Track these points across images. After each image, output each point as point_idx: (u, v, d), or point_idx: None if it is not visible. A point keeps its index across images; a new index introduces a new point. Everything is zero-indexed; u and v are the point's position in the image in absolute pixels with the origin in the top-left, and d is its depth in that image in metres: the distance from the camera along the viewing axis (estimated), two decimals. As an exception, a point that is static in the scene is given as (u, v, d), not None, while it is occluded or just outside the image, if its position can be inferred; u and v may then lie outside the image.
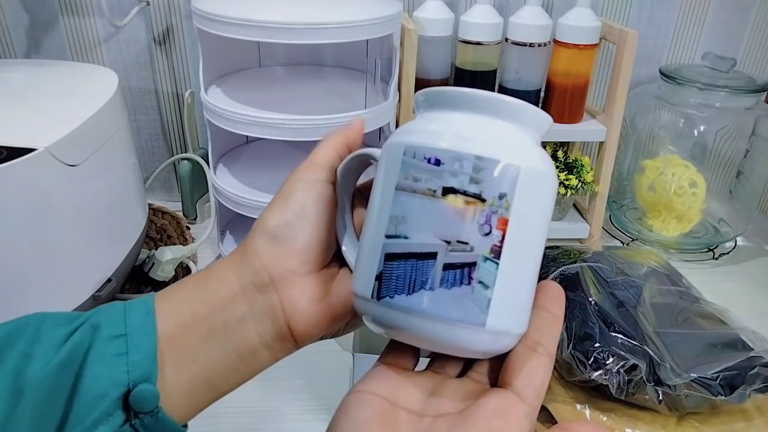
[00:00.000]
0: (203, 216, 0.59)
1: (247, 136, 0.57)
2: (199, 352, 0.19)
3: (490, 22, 0.51)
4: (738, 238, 0.60)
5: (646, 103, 0.57)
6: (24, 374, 0.17)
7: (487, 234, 0.16)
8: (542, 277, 0.43)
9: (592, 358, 0.35)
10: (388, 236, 0.17)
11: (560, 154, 0.56)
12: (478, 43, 0.51)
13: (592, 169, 0.56)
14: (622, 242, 0.59)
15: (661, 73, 0.55)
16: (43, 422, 0.17)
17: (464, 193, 0.17)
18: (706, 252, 0.58)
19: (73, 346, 0.18)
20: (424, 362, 0.20)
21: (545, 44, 0.52)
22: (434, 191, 0.17)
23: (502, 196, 0.17)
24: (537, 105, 0.55)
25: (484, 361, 0.19)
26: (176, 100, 0.59)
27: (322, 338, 0.22)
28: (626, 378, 0.34)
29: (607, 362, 0.35)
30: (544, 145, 0.58)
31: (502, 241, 0.17)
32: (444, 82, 0.55)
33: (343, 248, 0.21)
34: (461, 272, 0.16)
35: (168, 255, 0.47)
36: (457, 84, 0.54)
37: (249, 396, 0.38)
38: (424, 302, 0.16)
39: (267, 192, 0.49)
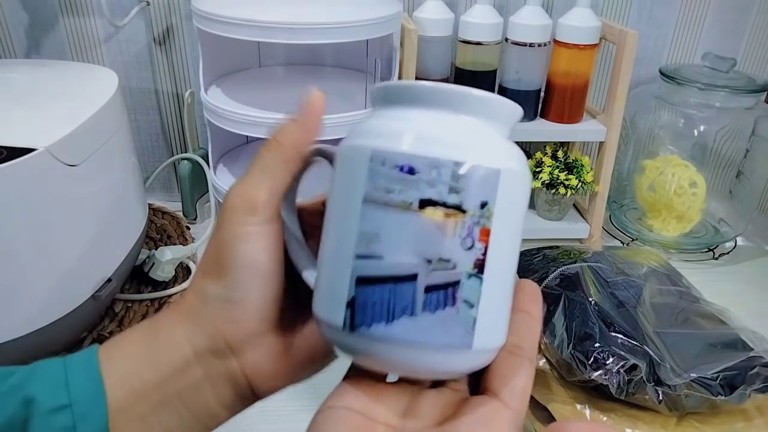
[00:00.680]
0: (203, 216, 0.59)
1: (247, 136, 0.57)
2: (152, 421, 0.17)
3: (490, 22, 0.50)
4: (738, 238, 0.59)
5: (646, 103, 0.57)
6: None
7: (469, 248, 0.15)
8: (542, 277, 0.43)
9: (592, 358, 0.35)
10: (359, 256, 0.15)
11: (560, 154, 0.56)
12: (478, 43, 0.51)
13: (592, 169, 0.56)
14: (622, 242, 0.59)
15: (661, 73, 0.55)
16: None
17: (444, 205, 0.15)
18: (706, 252, 0.58)
19: (3, 424, 0.16)
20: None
21: (545, 44, 0.52)
22: (410, 204, 0.15)
23: (483, 205, 0.15)
24: (537, 105, 0.55)
25: None
26: (176, 100, 0.59)
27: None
28: (626, 378, 0.34)
29: (607, 362, 0.35)
30: (544, 145, 0.58)
31: (485, 254, 0.15)
32: (444, 82, 0.54)
33: (305, 274, 0.19)
34: (445, 293, 0.15)
35: (168, 255, 0.47)
36: (457, 83, 0.54)
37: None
38: (407, 330, 0.15)
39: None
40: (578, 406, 0.36)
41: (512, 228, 0.16)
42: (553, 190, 0.55)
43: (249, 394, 0.19)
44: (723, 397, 0.34)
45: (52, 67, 0.46)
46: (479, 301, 0.15)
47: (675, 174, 0.55)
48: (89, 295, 0.37)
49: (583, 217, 0.59)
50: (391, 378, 0.17)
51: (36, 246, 0.33)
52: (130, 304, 0.46)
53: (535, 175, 0.56)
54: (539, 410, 0.37)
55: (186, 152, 0.58)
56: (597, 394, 0.36)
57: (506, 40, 0.52)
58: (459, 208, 0.15)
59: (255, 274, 0.18)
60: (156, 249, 0.47)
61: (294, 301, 0.19)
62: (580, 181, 0.54)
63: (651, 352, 0.35)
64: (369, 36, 0.42)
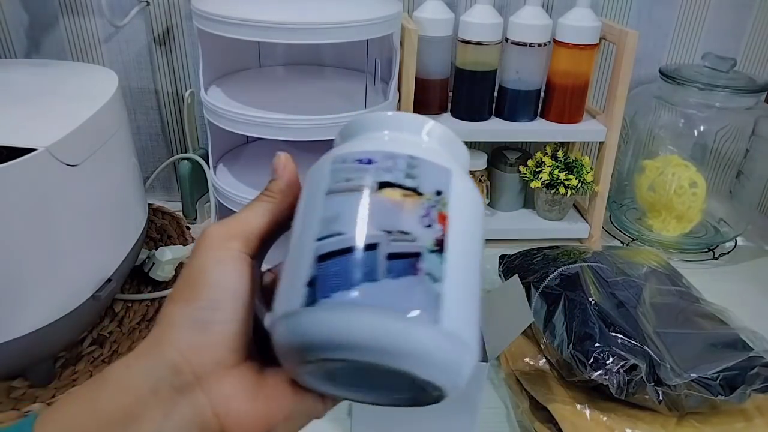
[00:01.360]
0: (203, 216, 0.59)
1: (247, 136, 0.57)
2: None
3: (490, 22, 0.50)
4: (738, 238, 0.59)
5: (646, 103, 0.57)
6: None
7: (428, 226, 0.15)
8: (542, 277, 0.43)
9: (592, 358, 0.35)
10: (319, 239, 0.15)
11: (560, 154, 0.56)
12: (478, 43, 0.51)
13: (592, 169, 0.56)
14: (622, 242, 0.59)
15: (661, 73, 0.55)
16: None
17: (401, 187, 0.16)
18: (706, 252, 0.58)
19: None
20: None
21: (545, 44, 0.52)
22: (369, 186, 0.16)
23: (439, 193, 0.16)
24: (537, 105, 0.55)
25: None
26: (176, 100, 0.59)
27: None
28: (626, 378, 0.34)
29: (607, 362, 0.35)
30: (544, 145, 0.58)
31: (444, 236, 0.15)
32: (444, 82, 0.55)
33: (267, 321, 0.17)
34: (407, 262, 0.14)
35: (168, 255, 0.47)
36: (457, 84, 0.54)
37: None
38: (368, 294, 0.14)
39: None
40: (578, 406, 0.36)
41: (470, 231, 0.16)
42: (553, 190, 0.55)
43: None
44: (723, 397, 0.34)
45: (52, 67, 0.46)
46: (443, 278, 0.15)
47: (675, 174, 0.55)
48: (89, 295, 0.37)
49: (583, 217, 0.59)
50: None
51: (36, 246, 0.33)
52: (130, 304, 0.46)
53: (535, 175, 0.56)
54: (539, 410, 0.37)
55: (186, 152, 0.58)
56: (597, 394, 0.36)
57: (506, 40, 0.52)
58: (416, 191, 0.16)
59: (230, 294, 0.16)
60: (156, 249, 0.47)
61: (264, 353, 0.17)
62: (580, 181, 0.54)
63: (651, 352, 0.35)
64: (369, 36, 0.42)
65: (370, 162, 0.16)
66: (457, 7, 0.56)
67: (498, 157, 0.58)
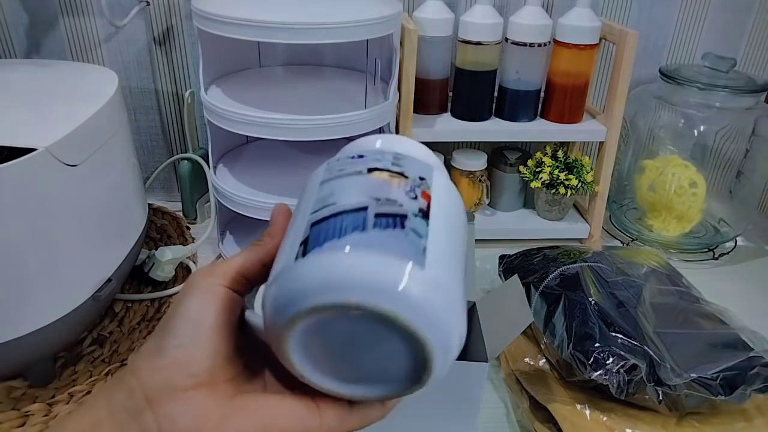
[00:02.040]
0: (203, 216, 0.59)
1: (247, 136, 0.57)
2: None
3: (490, 22, 0.50)
4: (738, 238, 0.59)
5: (646, 103, 0.57)
6: None
7: (414, 198, 0.17)
8: (542, 277, 0.43)
9: (592, 358, 0.35)
10: (313, 213, 0.17)
11: (560, 154, 0.56)
12: (478, 43, 0.51)
13: (592, 169, 0.56)
14: (622, 242, 0.59)
15: (661, 73, 0.55)
16: None
17: (388, 171, 0.17)
18: (706, 252, 0.58)
19: None
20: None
21: (545, 44, 0.52)
22: (360, 171, 0.17)
23: (422, 178, 0.18)
24: (537, 105, 0.55)
25: None
26: (176, 100, 0.59)
27: None
28: (626, 378, 0.34)
29: (607, 362, 0.35)
30: (544, 145, 0.58)
31: (428, 208, 0.17)
32: (444, 82, 0.55)
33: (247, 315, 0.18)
34: (393, 219, 0.16)
35: (168, 255, 0.47)
36: (457, 84, 0.54)
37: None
38: (358, 240, 0.15)
39: (267, 192, 0.49)
40: (578, 406, 0.36)
41: (451, 221, 0.17)
42: (553, 190, 0.55)
43: None
44: (723, 397, 0.34)
45: (52, 67, 0.46)
46: (427, 236, 0.16)
47: (675, 174, 0.55)
48: (89, 295, 0.37)
49: (583, 217, 0.59)
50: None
51: (36, 246, 0.33)
52: (130, 304, 0.46)
53: (535, 175, 0.56)
54: (539, 410, 0.37)
55: (186, 152, 0.58)
56: (597, 394, 0.36)
57: (506, 40, 0.52)
58: (402, 174, 0.17)
59: (189, 321, 0.17)
60: (156, 249, 0.47)
61: (250, 383, 0.18)
62: (580, 181, 0.54)
63: (651, 352, 0.35)
64: (369, 36, 0.42)
65: (361, 156, 0.18)
66: (457, 7, 0.56)
67: (498, 157, 0.58)
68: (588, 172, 0.55)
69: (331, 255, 0.15)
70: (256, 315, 0.18)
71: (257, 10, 0.41)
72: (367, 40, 0.46)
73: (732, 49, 0.61)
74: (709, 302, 0.42)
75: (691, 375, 0.34)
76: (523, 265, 0.45)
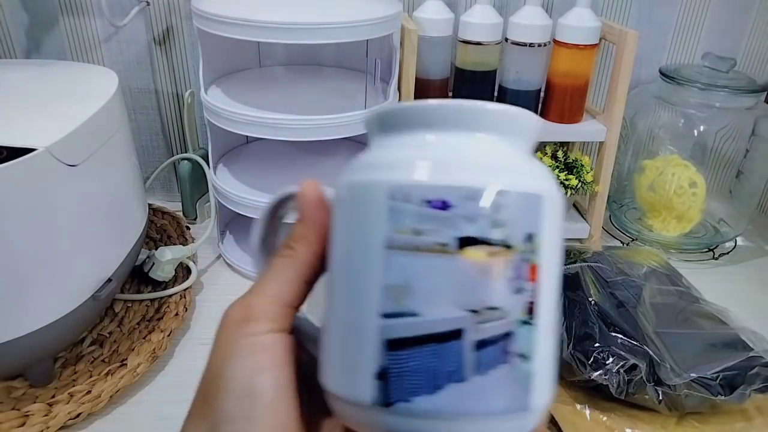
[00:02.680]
0: (203, 216, 0.59)
1: (247, 136, 0.57)
2: None
3: (490, 22, 0.50)
4: (738, 238, 0.59)
5: (646, 103, 0.57)
6: None
7: (519, 291, 0.13)
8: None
9: (592, 358, 0.35)
10: (386, 315, 0.13)
11: (560, 154, 0.56)
12: (478, 43, 0.51)
13: (592, 169, 0.56)
14: (622, 242, 0.59)
15: (661, 73, 0.55)
16: None
17: (487, 243, 0.13)
18: (706, 252, 0.58)
19: None
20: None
21: (545, 44, 0.52)
22: (446, 245, 0.13)
23: (530, 238, 0.13)
24: (537, 105, 0.55)
25: None
26: (176, 100, 0.59)
27: None
28: (626, 378, 0.34)
29: (607, 362, 0.35)
30: (543, 145, 0.58)
31: (535, 296, 0.13)
32: (444, 82, 0.54)
33: (320, 379, 0.14)
34: (496, 349, 0.13)
35: (168, 255, 0.47)
36: (457, 84, 0.54)
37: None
38: (456, 400, 0.12)
39: (267, 192, 0.49)
40: (578, 406, 0.36)
41: (556, 259, 0.14)
42: (553, 190, 0.55)
43: None
44: (723, 397, 0.34)
45: (52, 67, 0.46)
46: (533, 351, 0.13)
47: (675, 174, 0.55)
48: (89, 295, 0.37)
49: (582, 217, 0.59)
50: None
51: (36, 246, 0.33)
52: (129, 304, 0.46)
53: (535, 175, 0.55)
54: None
55: (186, 152, 0.58)
56: (597, 394, 0.36)
57: (506, 40, 0.52)
58: (505, 245, 0.13)
59: (252, 402, 0.13)
60: (156, 249, 0.47)
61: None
62: (580, 181, 0.54)
63: (651, 352, 0.35)
64: (369, 36, 0.42)
65: (445, 206, 0.13)
66: (457, 7, 0.56)
67: (498, 157, 0.58)
68: (588, 172, 0.55)
69: (424, 423, 0.12)
70: (305, 321, 0.16)
71: (257, 10, 0.41)
72: (367, 40, 0.46)
73: (732, 49, 0.61)
74: (709, 302, 0.42)
75: (691, 375, 0.34)
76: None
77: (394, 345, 0.13)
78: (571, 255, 0.45)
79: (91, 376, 0.38)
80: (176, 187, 0.63)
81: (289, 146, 0.56)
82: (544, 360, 0.13)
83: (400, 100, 0.51)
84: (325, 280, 0.15)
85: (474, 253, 0.13)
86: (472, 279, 0.13)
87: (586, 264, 0.43)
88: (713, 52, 0.55)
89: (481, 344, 0.13)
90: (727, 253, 0.58)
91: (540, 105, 0.55)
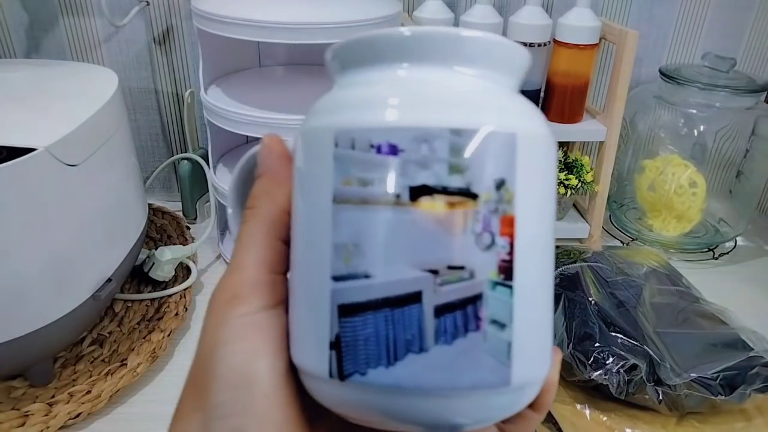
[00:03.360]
0: (203, 216, 0.59)
1: (247, 136, 0.57)
2: None
3: (489, 21, 0.50)
4: (738, 238, 0.59)
5: (646, 103, 0.57)
6: None
7: (489, 246, 0.11)
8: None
9: (592, 358, 0.35)
10: (337, 278, 0.11)
11: (560, 153, 0.56)
12: (478, 43, 0.51)
13: (592, 168, 0.56)
14: (622, 242, 0.59)
15: (661, 72, 0.55)
16: None
17: (445, 191, 0.11)
18: (706, 252, 0.57)
19: None
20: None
21: (545, 44, 0.52)
22: (397, 196, 0.11)
23: (500, 185, 0.11)
24: (537, 105, 0.55)
25: None
26: (176, 100, 0.59)
27: None
28: (626, 378, 0.34)
29: (607, 362, 0.35)
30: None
31: (511, 253, 0.11)
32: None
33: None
34: (463, 314, 0.11)
35: (168, 255, 0.47)
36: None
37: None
38: (417, 373, 0.11)
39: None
40: (578, 406, 0.36)
41: (542, 211, 0.12)
42: (553, 190, 0.55)
43: None
44: (723, 397, 0.34)
45: (52, 67, 0.46)
46: (512, 318, 0.11)
47: (675, 174, 0.55)
48: (89, 295, 0.37)
49: (582, 217, 0.59)
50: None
51: (35, 246, 0.33)
52: (129, 304, 0.46)
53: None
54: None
55: (186, 152, 0.58)
56: (597, 394, 0.36)
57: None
58: (467, 193, 0.11)
59: (247, 393, 0.11)
60: (156, 249, 0.47)
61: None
62: (580, 181, 0.54)
63: (651, 352, 0.35)
64: (369, 36, 0.42)
65: (393, 151, 0.11)
66: (456, 7, 0.56)
67: (498, 157, 0.58)
68: (588, 172, 0.55)
69: (383, 398, 0.11)
70: None
71: (257, 9, 0.41)
72: (367, 40, 0.46)
73: (732, 48, 0.61)
74: (709, 302, 0.42)
75: (691, 375, 0.34)
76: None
77: (345, 311, 0.11)
78: (571, 255, 0.45)
79: (91, 376, 0.38)
80: (176, 187, 0.63)
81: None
82: (528, 327, 0.11)
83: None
84: (291, 241, 0.13)
85: (429, 204, 0.11)
86: (429, 234, 0.11)
87: (586, 264, 0.43)
88: (713, 51, 0.55)
89: (444, 309, 0.11)
90: (727, 253, 0.58)
91: (540, 105, 0.55)
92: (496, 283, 0.11)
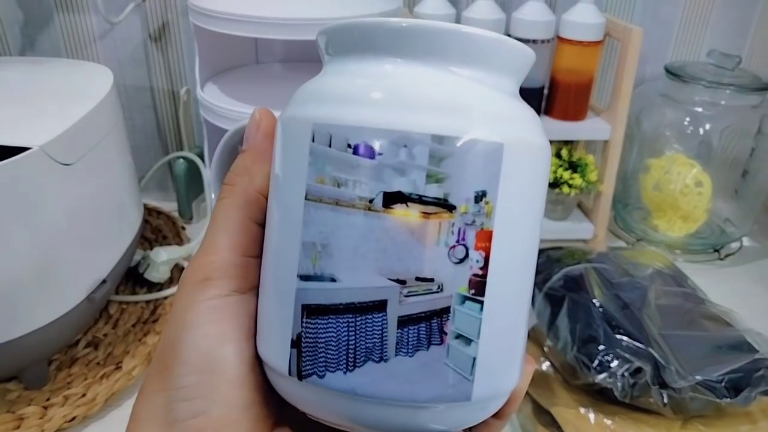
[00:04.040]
0: (199, 216, 0.58)
1: (245, 135, 0.56)
2: None
3: (492, 17, 0.50)
4: (744, 238, 0.59)
5: (651, 101, 0.57)
6: None
7: (461, 260, 0.11)
8: (546, 278, 0.42)
9: (596, 361, 0.34)
10: (303, 277, 0.11)
11: (564, 152, 0.55)
12: (480, 40, 0.50)
13: (596, 168, 0.55)
14: (627, 243, 0.58)
15: (667, 70, 0.54)
16: None
17: (420, 200, 0.11)
18: (712, 252, 0.57)
19: None
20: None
21: (549, 41, 0.51)
22: (371, 201, 0.11)
23: (479, 197, 0.11)
24: (540, 102, 0.55)
25: None
26: (172, 98, 0.58)
27: None
28: (631, 381, 0.34)
29: (612, 365, 0.34)
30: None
31: (485, 267, 0.11)
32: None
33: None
34: (427, 327, 0.11)
35: (163, 256, 0.46)
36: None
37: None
38: (374, 382, 0.11)
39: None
40: (582, 410, 0.35)
41: (525, 226, 0.11)
42: (557, 190, 0.54)
43: None
44: (728, 400, 0.33)
45: (46, 65, 0.45)
46: (479, 334, 0.11)
47: (680, 173, 0.54)
48: (83, 296, 0.36)
49: (587, 217, 0.58)
50: None
51: (29, 246, 0.32)
52: (125, 306, 0.45)
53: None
54: (542, 414, 0.36)
55: (182, 151, 0.57)
56: (601, 398, 0.36)
57: (509, 36, 0.52)
58: (443, 204, 0.11)
59: (212, 378, 0.11)
60: (151, 250, 0.47)
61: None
62: (584, 180, 0.53)
63: (656, 355, 0.34)
64: (368, 32, 0.42)
65: (370, 153, 0.11)
66: (458, 3, 0.55)
67: (500, 156, 0.57)
68: (592, 171, 0.54)
69: (340, 402, 0.11)
70: None
71: (254, 5, 0.40)
72: (367, 37, 0.45)
73: (737, 46, 0.60)
74: (715, 304, 0.41)
75: (696, 378, 0.33)
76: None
77: (309, 312, 0.11)
78: (575, 256, 0.44)
79: (86, 379, 0.38)
80: (172, 187, 0.62)
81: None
82: (497, 342, 0.11)
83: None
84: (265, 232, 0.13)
85: (403, 212, 0.11)
86: (400, 243, 0.11)
87: (591, 265, 0.42)
88: (718, 49, 0.54)
89: (409, 320, 0.11)
90: (733, 253, 0.57)
91: (543, 102, 0.54)
92: (466, 298, 0.11)
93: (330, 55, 0.13)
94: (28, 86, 0.40)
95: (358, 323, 0.11)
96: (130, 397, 0.38)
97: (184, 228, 0.54)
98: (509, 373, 0.12)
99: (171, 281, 0.47)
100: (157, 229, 0.54)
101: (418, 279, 0.11)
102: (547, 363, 0.39)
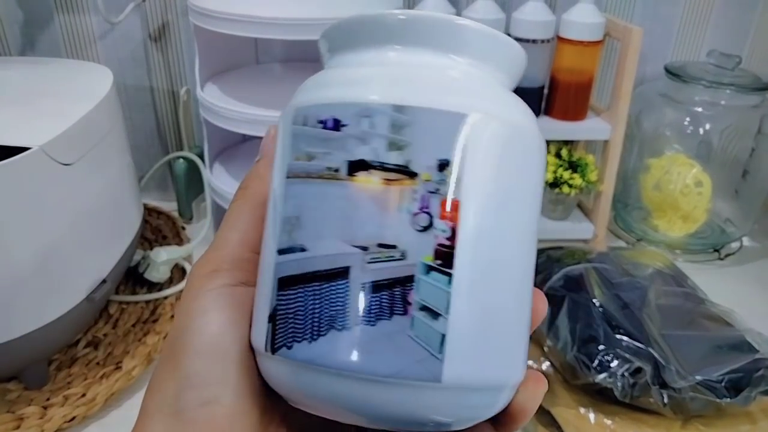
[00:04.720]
0: (199, 216, 0.58)
1: (243, 135, 0.56)
2: None
3: (492, 17, 0.50)
4: (744, 239, 0.59)
5: (651, 101, 0.57)
6: None
7: (425, 228, 0.10)
8: (546, 278, 0.42)
9: (596, 361, 0.34)
10: (280, 251, 0.11)
11: (564, 152, 0.55)
12: (480, 40, 0.50)
13: (596, 168, 0.55)
14: (627, 243, 0.58)
15: (667, 70, 0.54)
16: None
17: (382, 167, 0.11)
18: (712, 252, 0.57)
19: None
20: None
21: (548, 40, 0.51)
22: (336, 170, 0.11)
23: (443, 166, 0.11)
24: (540, 102, 0.55)
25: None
26: (172, 98, 0.58)
27: None
28: (631, 381, 0.34)
29: (612, 365, 0.34)
30: (547, 143, 0.57)
31: (452, 239, 0.10)
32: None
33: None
34: (390, 295, 0.10)
35: (163, 256, 0.46)
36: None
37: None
38: (334, 351, 0.10)
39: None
40: (582, 410, 0.35)
41: (506, 204, 0.11)
42: (557, 190, 0.54)
43: None
44: (728, 400, 0.33)
45: (46, 65, 0.45)
46: (449, 309, 0.10)
47: (680, 173, 0.54)
48: (83, 296, 0.36)
49: (587, 217, 0.58)
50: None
51: (29, 246, 0.32)
52: (125, 306, 0.45)
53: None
54: (542, 414, 0.36)
55: (181, 151, 0.57)
56: (601, 398, 0.36)
57: (509, 36, 0.52)
58: (405, 171, 0.11)
59: (221, 360, 0.12)
60: (151, 250, 0.47)
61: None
62: (584, 180, 0.53)
63: (656, 355, 0.34)
64: (368, 32, 0.42)
65: (336, 125, 0.11)
66: (458, 3, 0.55)
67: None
68: (592, 171, 0.54)
69: (304, 374, 0.11)
70: None
71: (254, 5, 0.40)
72: (367, 37, 0.45)
73: (737, 46, 0.60)
74: (715, 303, 0.41)
75: (696, 378, 0.33)
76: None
77: (282, 284, 0.11)
78: (575, 255, 0.44)
79: (86, 379, 0.38)
80: (172, 187, 0.62)
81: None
82: (475, 323, 0.11)
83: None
84: None
85: (365, 179, 0.11)
86: (362, 210, 0.11)
87: (591, 265, 0.42)
88: (718, 49, 0.54)
89: (371, 287, 0.10)
90: (733, 253, 0.57)
91: (543, 102, 0.54)
92: (431, 268, 0.11)
93: (331, 51, 0.14)
94: (28, 86, 0.40)
95: (323, 291, 0.11)
96: (130, 397, 0.38)
97: (184, 228, 0.54)
98: (499, 363, 0.11)
99: (171, 281, 0.47)
100: (157, 229, 0.54)
101: (380, 245, 0.11)
102: (547, 363, 0.39)
